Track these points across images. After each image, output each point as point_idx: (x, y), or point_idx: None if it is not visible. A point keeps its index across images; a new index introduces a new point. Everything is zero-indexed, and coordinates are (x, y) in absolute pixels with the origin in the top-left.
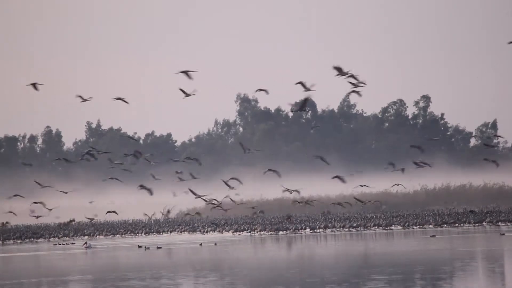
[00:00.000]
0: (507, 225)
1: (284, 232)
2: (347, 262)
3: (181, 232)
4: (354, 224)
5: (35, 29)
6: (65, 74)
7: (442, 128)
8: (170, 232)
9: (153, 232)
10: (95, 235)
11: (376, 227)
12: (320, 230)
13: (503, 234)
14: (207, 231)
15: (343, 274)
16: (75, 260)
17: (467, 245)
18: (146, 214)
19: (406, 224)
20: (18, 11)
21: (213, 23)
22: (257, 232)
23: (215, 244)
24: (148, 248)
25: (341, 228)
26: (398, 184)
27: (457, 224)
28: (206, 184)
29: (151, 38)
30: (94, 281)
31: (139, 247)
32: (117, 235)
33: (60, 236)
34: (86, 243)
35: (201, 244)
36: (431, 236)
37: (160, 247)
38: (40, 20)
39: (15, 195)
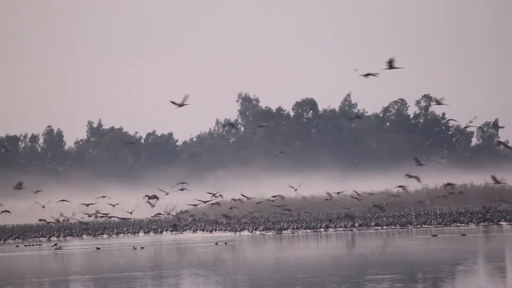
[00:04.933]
0: (510, 224)
1: (285, 231)
2: (348, 262)
3: (182, 231)
4: (356, 224)
5: (36, 29)
6: (66, 73)
7: (443, 128)
8: (171, 231)
9: (153, 232)
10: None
11: (377, 227)
12: (321, 229)
13: (464, 235)
14: (210, 230)
15: (343, 274)
16: (47, 262)
17: (466, 245)
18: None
19: (407, 224)
20: (18, 12)
21: (214, 22)
22: (259, 231)
23: (225, 243)
24: (135, 248)
25: (342, 228)
26: (401, 186)
27: (457, 224)
28: (205, 183)
29: (153, 38)
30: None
31: (98, 248)
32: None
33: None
34: (56, 244)
35: (217, 243)
36: (432, 235)
37: (143, 247)
38: (40, 20)
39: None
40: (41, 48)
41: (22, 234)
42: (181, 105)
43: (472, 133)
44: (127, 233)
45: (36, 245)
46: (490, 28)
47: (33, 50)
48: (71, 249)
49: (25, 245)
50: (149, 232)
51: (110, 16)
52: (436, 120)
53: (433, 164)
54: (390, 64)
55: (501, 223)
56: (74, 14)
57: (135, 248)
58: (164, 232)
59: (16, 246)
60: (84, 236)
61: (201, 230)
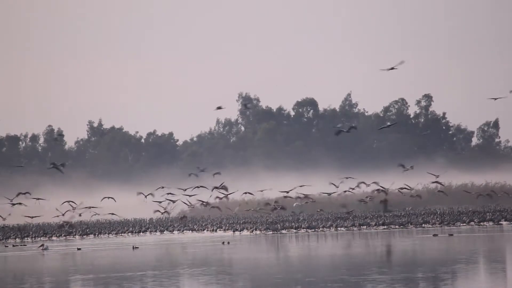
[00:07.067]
0: (511, 223)
1: (285, 231)
2: (348, 262)
3: (182, 231)
4: (356, 223)
5: (36, 29)
6: (66, 73)
7: (443, 127)
8: (172, 231)
9: (156, 231)
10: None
11: (377, 227)
12: (321, 228)
13: (451, 235)
14: (211, 230)
15: (343, 273)
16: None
17: (468, 244)
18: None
19: (407, 223)
20: (18, 12)
21: (215, 21)
22: (260, 231)
23: (228, 243)
24: (137, 247)
25: (343, 227)
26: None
27: (459, 223)
28: (204, 183)
29: (153, 37)
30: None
31: (79, 249)
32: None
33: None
34: (43, 245)
35: (223, 243)
36: (433, 235)
37: (137, 247)
38: (40, 19)
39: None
40: (41, 48)
41: (21, 234)
42: (391, 68)
43: (472, 133)
44: (128, 232)
45: (22, 245)
46: (491, 27)
47: (33, 50)
48: (60, 249)
49: (13, 245)
50: (152, 231)
51: (110, 15)
52: (437, 119)
53: (432, 165)
54: None
55: (501, 222)
56: (74, 14)
57: (134, 247)
58: (165, 232)
59: (6, 246)
60: (85, 236)
61: (202, 230)
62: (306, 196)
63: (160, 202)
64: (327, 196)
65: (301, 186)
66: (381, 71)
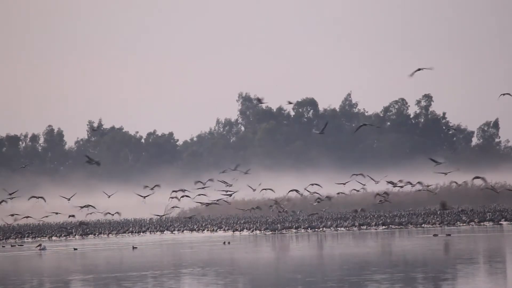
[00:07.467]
0: (511, 223)
1: (285, 231)
2: (348, 262)
3: (182, 231)
4: (356, 223)
5: (36, 28)
6: (67, 73)
7: (443, 127)
8: (172, 231)
9: (157, 231)
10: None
11: (377, 226)
12: (321, 228)
13: (449, 235)
14: (212, 230)
15: (343, 273)
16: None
17: (468, 244)
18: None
19: (407, 223)
20: (19, 12)
21: (215, 21)
22: (260, 231)
23: (229, 243)
24: (136, 247)
25: (343, 227)
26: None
27: (459, 223)
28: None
29: (153, 37)
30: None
31: (75, 249)
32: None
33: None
34: (40, 245)
35: (224, 243)
36: (433, 235)
37: (136, 247)
38: (40, 19)
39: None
40: (41, 48)
41: (20, 234)
42: (415, 72)
43: (472, 133)
44: (128, 232)
45: (20, 245)
46: (491, 27)
47: (33, 50)
48: (58, 250)
49: (11, 245)
50: (152, 231)
51: (110, 15)
52: (437, 119)
53: (432, 165)
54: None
55: (501, 222)
56: (74, 14)
57: (133, 247)
58: (166, 232)
59: (3, 247)
60: (85, 236)
61: (202, 230)
62: (326, 196)
63: (172, 198)
64: (337, 195)
65: (312, 184)
66: (408, 73)
